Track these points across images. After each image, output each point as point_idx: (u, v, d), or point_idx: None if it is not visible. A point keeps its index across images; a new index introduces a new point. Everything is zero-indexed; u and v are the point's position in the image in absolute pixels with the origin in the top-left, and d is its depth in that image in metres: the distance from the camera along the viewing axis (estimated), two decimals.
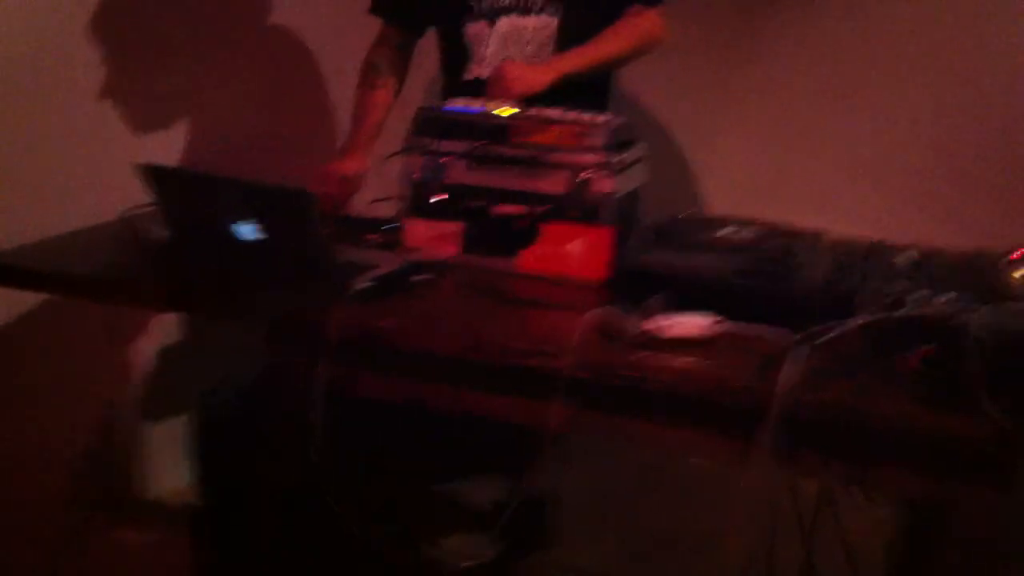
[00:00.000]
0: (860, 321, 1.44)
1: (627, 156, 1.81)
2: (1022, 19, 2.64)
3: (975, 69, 2.69)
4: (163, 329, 2.59)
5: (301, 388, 1.53)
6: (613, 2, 2.19)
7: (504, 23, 2.19)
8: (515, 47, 2.19)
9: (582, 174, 1.76)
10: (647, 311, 1.51)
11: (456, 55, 2.26)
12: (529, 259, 1.81)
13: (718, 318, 1.50)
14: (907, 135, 2.77)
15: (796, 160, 2.88)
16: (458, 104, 1.91)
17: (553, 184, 1.78)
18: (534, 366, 1.45)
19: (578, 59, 2.10)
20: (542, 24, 2.18)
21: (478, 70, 2.22)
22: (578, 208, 1.77)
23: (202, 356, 2.33)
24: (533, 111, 1.86)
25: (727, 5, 2.91)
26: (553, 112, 1.85)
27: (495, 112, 1.85)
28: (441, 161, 1.83)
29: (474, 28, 2.22)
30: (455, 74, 2.27)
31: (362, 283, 1.61)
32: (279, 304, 1.60)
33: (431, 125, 1.85)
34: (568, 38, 2.16)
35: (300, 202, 1.63)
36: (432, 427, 1.87)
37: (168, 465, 2.54)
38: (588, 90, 2.12)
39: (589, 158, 1.76)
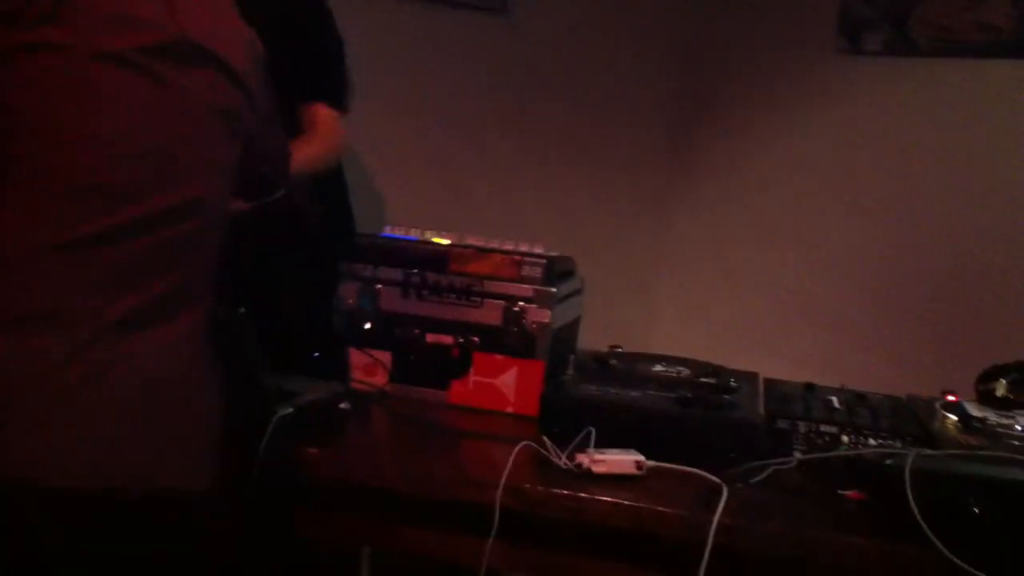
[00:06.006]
0: (799, 458, 1.42)
1: (564, 288, 1.81)
2: (966, 159, 2.67)
3: (914, 211, 2.72)
4: None
5: None
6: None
7: None
8: None
9: (518, 305, 1.74)
10: (579, 444, 1.46)
11: None
12: (461, 390, 1.77)
13: (643, 458, 1.44)
14: (841, 275, 2.80)
15: (728, 299, 2.91)
16: (395, 231, 1.90)
17: (489, 315, 1.76)
18: (464, 499, 1.39)
19: None
20: None
21: None
22: (513, 339, 1.75)
23: None
24: (471, 240, 1.85)
25: (659, 143, 2.98)
26: (492, 242, 1.84)
27: (433, 240, 1.84)
28: (376, 288, 1.81)
29: None
30: None
31: (285, 410, 1.54)
32: None
33: (367, 252, 1.83)
34: None
35: (236, 324, 1.57)
36: None
37: None
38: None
39: (526, 289, 1.75)
